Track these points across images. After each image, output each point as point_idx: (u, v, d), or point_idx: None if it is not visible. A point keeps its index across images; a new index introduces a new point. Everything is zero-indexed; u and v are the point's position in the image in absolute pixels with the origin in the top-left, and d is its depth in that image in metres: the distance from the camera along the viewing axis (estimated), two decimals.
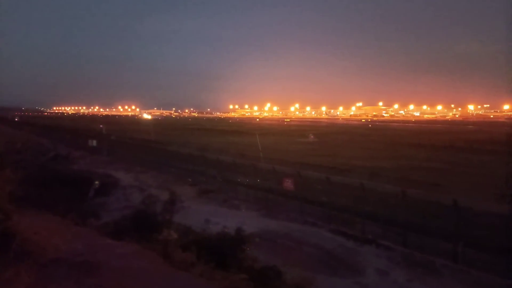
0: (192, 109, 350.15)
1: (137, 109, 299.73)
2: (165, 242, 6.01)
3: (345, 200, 15.09)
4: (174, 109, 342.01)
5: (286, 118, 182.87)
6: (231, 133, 69.02)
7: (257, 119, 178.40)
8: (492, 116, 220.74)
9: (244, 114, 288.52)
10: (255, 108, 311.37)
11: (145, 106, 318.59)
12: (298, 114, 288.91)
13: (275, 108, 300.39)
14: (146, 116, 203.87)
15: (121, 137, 46.06)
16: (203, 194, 18.33)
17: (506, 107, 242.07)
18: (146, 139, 46.65)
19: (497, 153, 35.59)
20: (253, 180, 19.30)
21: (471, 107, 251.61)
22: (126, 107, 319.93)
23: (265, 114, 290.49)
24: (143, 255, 5.22)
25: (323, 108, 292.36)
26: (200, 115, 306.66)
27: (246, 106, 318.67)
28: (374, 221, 12.88)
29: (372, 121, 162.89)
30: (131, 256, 5.02)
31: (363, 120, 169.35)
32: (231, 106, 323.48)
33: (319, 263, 9.38)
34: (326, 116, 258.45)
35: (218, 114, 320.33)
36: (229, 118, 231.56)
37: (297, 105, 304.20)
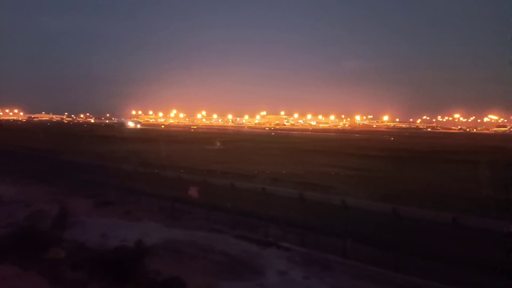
0: (88, 114, 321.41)
1: (21, 113, 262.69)
2: (52, 261, 5.37)
3: (250, 205, 15.58)
4: (66, 114, 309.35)
5: (193, 125, 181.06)
6: (134, 140, 65.39)
7: (162, 126, 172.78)
8: (374, 126, 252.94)
9: (148, 121, 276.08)
10: (160, 114, 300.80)
11: (33, 110, 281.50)
12: (205, 122, 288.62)
13: (181, 115, 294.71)
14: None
15: (4, 145, 39.93)
16: (101, 207, 16.92)
17: (385, 117, 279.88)
18: (35, 148, 41.24)
19: (381, 158, 41.01)
20: (157, 189, 18.57)
21: (358, 117, 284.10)
22: (7, 110, 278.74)
23: (171, 121, 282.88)
24: (25, 278, 4.58)
25: (230, 116, 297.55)
26: (98, 121, 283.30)
27: (151, 112, 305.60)
28: (276, 224, 13.57)
29: (275, 129, 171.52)
30: (10, 280, 4.36)
31: (266, 128, 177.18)
32: (133, 112, 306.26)
33: (224, 269, 9.46)
34: (233, 124, 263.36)
35: (118, 120, 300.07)
36: None
37: (204, 113, 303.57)
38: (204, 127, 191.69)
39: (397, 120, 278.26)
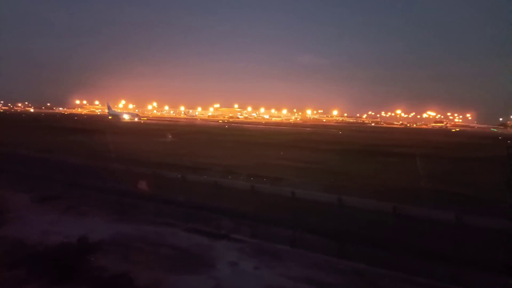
0: (27, 103, 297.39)
1: None
2: None
3: (202, 198, 15.53)
4: (2, 102, 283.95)
5: (143, 117, 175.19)
6: (79, 131, 61.79)
7: (110, 117, 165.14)
8: (324, 120, 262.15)
9: (94, 111, 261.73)
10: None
11: None
12: (156, 113, 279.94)
13: (130, 106, 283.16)
14: None
15: None
16: (42, 202, 15.87)
17: (335, 112, 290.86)
18: None
19: (330, 151, 42.73)
20: (105, 183, 17.82)
21: (309, 112, 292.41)
22: None
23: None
24: None
25: (182, 108, 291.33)
26: (38, 110, 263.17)
27: (97, 102, 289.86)
28: (228, 216, 13.69)
29: (228, 122, 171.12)
30: None
31: (220, 121, 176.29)
32: (77, 101, 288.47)
33: (174, 263, 9.38)
34: (185, 116, 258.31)
35: (61, 109, 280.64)
36: (75, 114, 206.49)
37: (155, 104, 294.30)
38: (155, 118, 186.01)
39: (345, 115, 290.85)
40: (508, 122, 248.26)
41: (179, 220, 13.41)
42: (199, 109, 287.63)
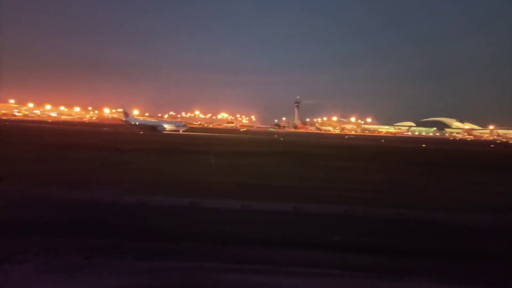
0: None
1: None
2: None
3: None
4: None
5: None
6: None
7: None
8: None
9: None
10: None
11: None
12: None
13: None
14: None
15: None
16: None
17: (135, 112, 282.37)
18: None
19: (134, 151, 41.83)
20: None
21: (107, 110, 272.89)
22: None
23: None
24: None
25: None
26: None
27: None
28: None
29: (1, 120, 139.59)
30: None
31: None
32: None
33: None
34: None
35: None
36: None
37: None
38: None
39: (147, 114, 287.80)
40: (281, 123, 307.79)
41: None
42: None
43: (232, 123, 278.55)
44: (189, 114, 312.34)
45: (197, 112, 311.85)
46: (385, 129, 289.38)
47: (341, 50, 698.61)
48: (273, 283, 9.22)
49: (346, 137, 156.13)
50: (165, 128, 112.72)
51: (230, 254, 11.06)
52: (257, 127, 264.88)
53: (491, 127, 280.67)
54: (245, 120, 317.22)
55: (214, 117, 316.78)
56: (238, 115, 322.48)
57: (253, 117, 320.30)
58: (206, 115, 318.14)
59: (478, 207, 19.63)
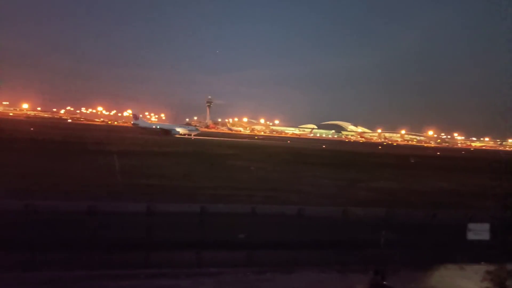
0: None
1: None
2: None
3: None
4: None
5: None
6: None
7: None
8: (11, 114, 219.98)
9: None
10: None
11: None
12: None
13: None
14: None
15: None
16: None
17: (25, 105, 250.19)
18: None
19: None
20: None
21: None
22: None
23: None
24: None
25: None
26: None
27: None
28: None
29: None
30: None
31: None
32: None
33: None
34: None
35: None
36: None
37: None
38: None
39: (39, 109, 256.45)
40: (193, 122, 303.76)
41: None
42: None
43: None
44: (90, 110, 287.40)
45: (100, 108, 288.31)
46: (291, 131, 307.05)
47: (246, 53, 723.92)
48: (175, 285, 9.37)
49: (256, 137, 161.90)
50: (178, 132, 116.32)
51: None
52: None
53: (379, 130, 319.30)
54: (154, 118, 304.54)
55: (119, 114, 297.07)
56: (146, 113, 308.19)
57: (162, 115, 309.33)
58: (110, 111, 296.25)
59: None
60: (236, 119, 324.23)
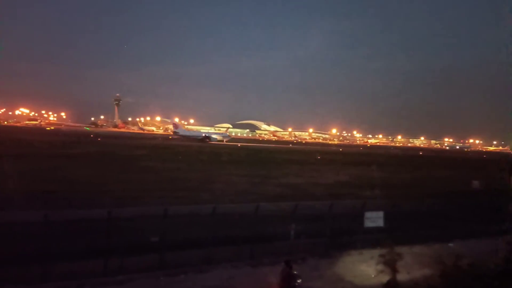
0: None
1: None
2: None
3: None
4: None
5: None
6: None
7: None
8: None
9: None
10: None
11: None
12: None
13: None
14: None
15: None
16: None
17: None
18: None
19: None
20: None
21: None
22: None
23: None
24: None
25: None
26: None
27: None
28: None
29: None
30: None
31: None
32: None
33: None
34: None
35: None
36: None
37: None
38: None
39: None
40: (99, 121, 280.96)
41: None
42: None
43: (36, 120, 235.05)
44: None
45: None
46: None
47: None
48: None
49: (170, 137, 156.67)
50: (216, 139, 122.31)
51: None
52: (66, 125, 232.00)
53: (289, 129, 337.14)
54: (53, 118, 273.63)
55: (10, 113, 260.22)
56: (43, 112, 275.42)
57: (63, 114, 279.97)
58: None
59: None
60: (148, 118, 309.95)
